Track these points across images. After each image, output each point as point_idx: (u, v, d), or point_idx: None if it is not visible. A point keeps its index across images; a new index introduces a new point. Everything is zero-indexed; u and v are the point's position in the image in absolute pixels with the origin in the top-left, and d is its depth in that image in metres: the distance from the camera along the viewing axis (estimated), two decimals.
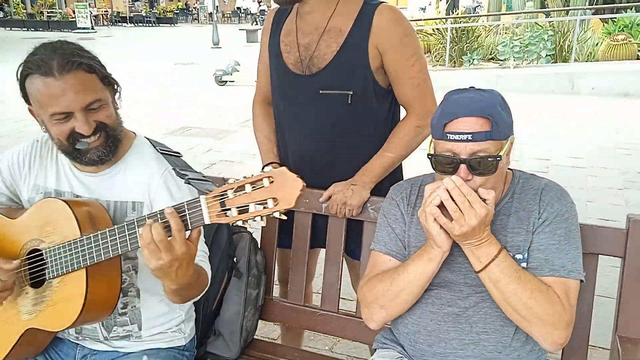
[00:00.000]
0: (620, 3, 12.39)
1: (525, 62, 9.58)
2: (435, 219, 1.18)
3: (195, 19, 38.89)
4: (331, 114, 1.66)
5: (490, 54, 10.52)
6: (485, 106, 1.19)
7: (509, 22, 11.70)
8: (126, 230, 1.19)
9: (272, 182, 1.03)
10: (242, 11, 36.76)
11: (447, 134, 1.19)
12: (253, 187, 1.04)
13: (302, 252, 1.74)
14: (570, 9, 11.56)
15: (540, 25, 10.15)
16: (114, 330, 1.42)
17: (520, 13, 11.76)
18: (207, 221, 1.09)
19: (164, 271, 1.14)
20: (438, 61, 10.54)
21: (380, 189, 1.67)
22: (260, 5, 37.71)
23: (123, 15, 35.38)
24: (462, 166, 1.19)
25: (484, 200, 1.16)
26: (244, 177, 1.06)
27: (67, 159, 1.42)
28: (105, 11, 35.36)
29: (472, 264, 1.22)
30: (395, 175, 1.76)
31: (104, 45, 18.29)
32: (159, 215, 1.14)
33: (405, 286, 1.27)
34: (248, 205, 1.05)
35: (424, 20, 11.79)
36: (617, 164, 5.19)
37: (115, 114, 1.36)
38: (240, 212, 1.05)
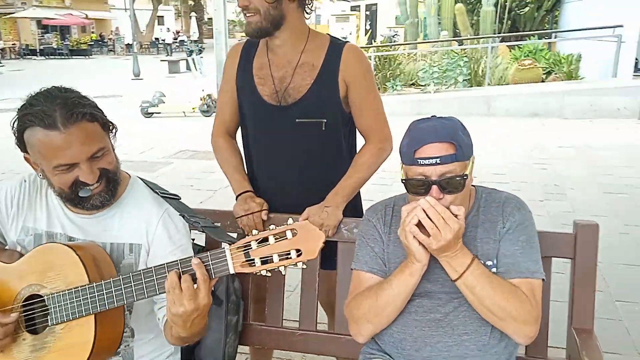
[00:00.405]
0: (524, 31, 13.54)
1: (444, 87, 10.18)
2: (414, 237, 1.30)
3: (111, 50, 37.85)
4: (307, 140, 1.79)
5: (411, 80, 11.08)
6: (449, 132, 1.33)
7: (426, 50, 12.40)
8: (142, 278, 1.21)
9: (295, 234, 1.11)
10: (160, 42, 36.24)
11: (418, 160, 1.33)
12: (276, 239, 1.12)
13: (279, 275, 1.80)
14: (481, 37, 12.47)
15: (455, 52, 10.85)
16: None
17: (436, 42, 12.50)
18: (232, 271, 1.15)
19: (183, 318, 1.17)
20: None
21: (343, 212, 1.79)
22: (177, 36, 37.39)
23: (32, 47, 33.76)
24: (434, 187, 1.32)
25: (456, 216, 1.29)
26: (268, 229, 1.14)
27: (58, 200, 1.41)
28: (12, 44, 33.63)
29: (448, 274, 1.34)
30: (355, 197, 1.88)
31: (13, 80, 17.41)
32: (179, 263, 1.18)
33: (390, 300, 1.37)
34: (272, 256, 1.12)
35: None
36: (535, 178, 5.63)
37: (115, 158, 1.37)
38: (263, 263, 1.13)
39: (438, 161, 1.31)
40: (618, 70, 9.32)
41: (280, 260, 1.13)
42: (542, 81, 10.17)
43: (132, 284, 1.22)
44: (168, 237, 1.43)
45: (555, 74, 10.40)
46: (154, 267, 1.21)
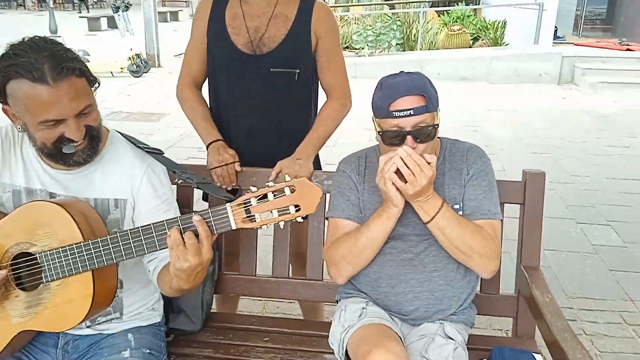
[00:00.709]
0: None
1: (378, 51, 10.34)
2: (392, 183, 1.40)
3: (21, 4, 34.94)
4: (280, 89, 1.85)
5: (345, 43, 11.12)
6: (419, 85, 1.45)
7: (359, 13, 12.45)
8: (142, 234, 1.23)
9: (294, 191, 1.17)
10: None
11: (393, 112, 1.43)
12: (275, 196, 1.17)
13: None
14: (412, 2, 12.66)
15: (389, 16, 10.99)
16: (97, 320, 1.44)
17: (369, 5, 12.58)
18: (233, 227, 1.19)
19: (187, 273, 1.21)
20: None
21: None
22: None
23: None
24: (409, 137, 1.43)
25: (429, 164, 1.40)
26: (267, 186, 1.18)
27: (36, 155, 1.39)
28: None
29: (421, 217, 1.46)
30: None
31: None
32: (179, 220, 1.21)
33: (368, 243, 1.48)
34: (272, 212, 1.18)
35: None
36: (468, 140, 5.94)
37: (98, 114, 1.36)
38: (262, 217, 1.17)
39: (411, 112, 1.42)
40: (539, 38, 9.83)
41: (279, 215, 1.18)
42: (470, 46, 10.57)
43: (131, 240, 1.24)
44: (153, 191, 1.45)
45: (482, 39, 10.82)
46: (152, 224, 1.23)
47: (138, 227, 1.24)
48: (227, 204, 1.20)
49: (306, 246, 1.89)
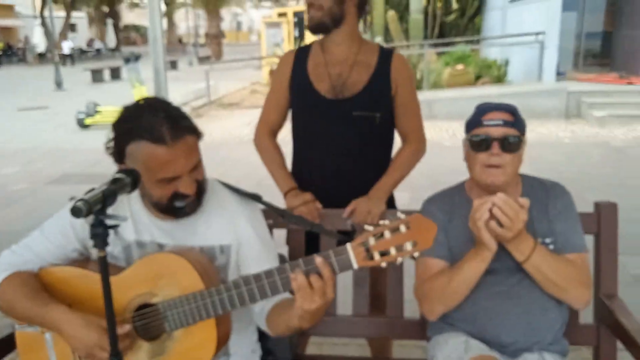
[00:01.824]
0: (449, 37, 14.28)
1: None
2: (487, 228, 1.44)
3: (22, 60, 35.63)
4: (361, 133, 1.93)
5: None
6: (510, 107, 1.58)
7: None
8: (264, 279, 1.26)
9: (409, 228, 1.20)
10: (75, 51, 34.46)
11: (484, 121, 1.54)
12: (392, 233, 1.20)
13: None
14: (411, 44, 13.02)
15: None
16: None
17: None
18: (355, 266, 1.22)
19: (312, 313, 1.23)
20: None
21: None
22: (91, 44, 35.55)
23: None
24: (495, 143, 1.52)
25: (522, 207, 1.44)
26: (383, 224, 1.22)
27: (142, 207, 1.45)
28: None
29: (515, 257, 1.50)
30: None
31: None
32: (302, 262, 1.24)
33: (462, 284, 1.52)
34: (389, 249, 1.20)
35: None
36: None
37: (204, 167, 1.43)
38: (381, 255, 1.21)
39: (500, 123, 1.53)
40: (542, 74, 10.08)
41: (397, 252, 1.21)
42: (473, 85, 10.81)
43: (254, 285, 1.27)
44: (256, 234, 1.50)
45: (484, 78, 11.10)
46: (275, 268, 1.27)
47: (260, 272, 1.27)
48: (348, 244, 1.24)
49: (383, 286, 1.93)
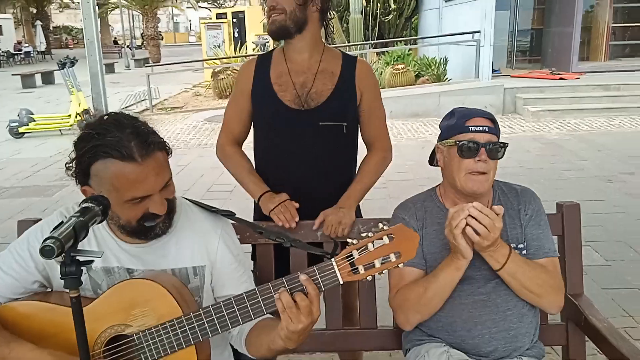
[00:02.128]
0: (388, 37, 14.52)
1: None
2: (463, 236, 1.43)
3: None
4: (328, 142, 1.90)
5: None
6: (487, 113, 1.60)
7: None
8: (247, 301, 1.22)
9: (392, 238, 1.18)
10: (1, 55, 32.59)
11: (469, 127, 1.54)
12: (375, 245, 1.18)
13: None
14: (352, 45, 13.16)
15: None
16: None
17: None
18: (340, 282, 1.19)
19: (299, 334, 1.19)
20: None
21: None
22: (20, 47, 33.70)
23: None
24: (482, 149, 1.53)
25: (497, 215, 1.44)
26: (366, 236, 1.19)
27: (107, 232, 1.36)
28: None
29: (491, 265, 1.51)
30: None
31: None
32: (285, 281, 1.20)
33: (437, 292, 1.52)
34: (374, 262, 1.18)
35: (233, 57, 12.18)
36: (432, 174, 6.13)
37: (174, 185, 1.35)
38: (366, 269, 1.18)
39: (486, 130, 1.54)
40: (479, 72, 10.42)
41: (381, 264, 1.19)
42: (414, 83, 11.03)
43: (236, 308, 1.22)
44: (230, 253, 1.45)
45: (424, 76, 11.34)
46: (257, 288, 1.22)
47: (242, 294, 1.23)
48: (333, 259, 1.20)
49: (353, 297, 1.90)
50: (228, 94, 11.77)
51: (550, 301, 1.55)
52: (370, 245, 1.20)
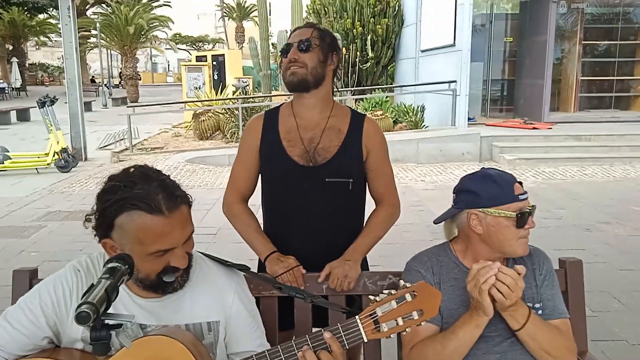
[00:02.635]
0: (366, 84, 14.86)
1: None
2: (487, 293, 1.45)
3: None
4: (336, 199, 1.92)
5: None
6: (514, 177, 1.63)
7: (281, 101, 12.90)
8: (268, 358, 1.22)
9: (415, 296, 1.19)
10: None
11: (518, 196, 1.57)
12: (398, 303, 1.19)
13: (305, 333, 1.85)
14: (340, 90, 13.41)
15: None
16: None
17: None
18: (365, 340, 1.20)
19: None
20: (230, 138, 11.05)
21: None
22: None
23: None
24: (530, 217, 1.57)
25: (519, 274, 1.48)
26: (389, 294, 1.20)
27: (122, 286, 1.33)
28: None
29: (510, 325, 1.53)
30: None
31: None
32: (309, 339, 1.20)
33: (456, 349, 1.52)
34: (397, 320, 1.20)
35: (215, 100, 12.26)
36: (417, 220, 6.22)
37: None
38: (389, 327, 1.20)
39: (527, 196, 1.59)
40: (456, 120, 10.70)
41: (404, 322, 1.20)
42: (392, 129, 11.25)
43: None
44: (245, 308, 1.44)
45: (402, 123, 11.58)
46: (280, 346, 1.22)
47: (264, 352, 1.23)
48: (357, 318, 1.21)
49: (357, 350, 1.89)
50: (209, 135, 11.80)
51: None
52: (393, 303, 1.21)
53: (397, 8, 14.60)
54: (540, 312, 1.61)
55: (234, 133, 10.98)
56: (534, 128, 10.69)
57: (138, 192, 1.20)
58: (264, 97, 12.64)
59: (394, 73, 16.43)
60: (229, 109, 11.32)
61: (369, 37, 14.49)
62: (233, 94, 13.69)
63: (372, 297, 1.24)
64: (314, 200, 1.91)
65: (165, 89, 40.05)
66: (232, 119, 11.08)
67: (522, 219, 1.57)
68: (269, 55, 16.13)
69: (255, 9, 39.20)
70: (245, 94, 13.54)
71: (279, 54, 1.98)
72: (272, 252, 1.88)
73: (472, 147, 9.74)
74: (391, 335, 1.22)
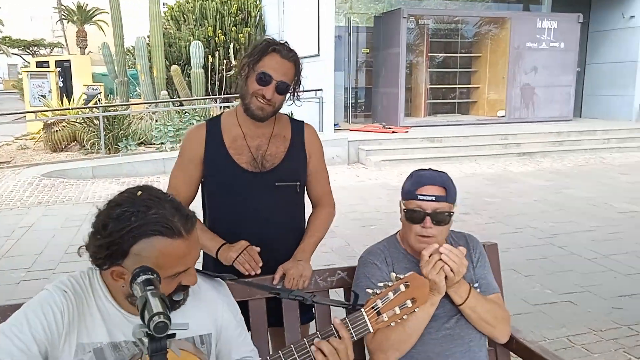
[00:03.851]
0: (230, 92, 14.81)
1: (179, 145, 10.40)
2: (442, 274, 1.61)
3: None
4: (284, 201, 2.01)
5: (139, 139, 10.89)
6: (443, 180, 1.76)
7: (154, 110, 12.34)
8: (295, 352, 1.27)
9: (408, 286, 1.32)
10: None
11: (418, 195, 1.71)
12: (394, 293, 1.31)
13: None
14: (195, 99, 13.15)
15: (188, 112, 11.23)
16: None
17: (168, 101, 12.56)
18: (371, 330, 1.30)
19: None
20: (90, 149, 10.28)
21: None
22: None
23: None
24: (427, 218, 1.71)
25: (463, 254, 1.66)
26: (386, 286, 1.31)
27: (114, 306, 1.27)
28: None
29: (454, 301, 1.70)
30: None
31: None
32: (319, 334, 1.27)
33: (415, 328, 1.67)
34: (394, 309, 1.32)
35: (72, 109, 11.29)
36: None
37: None
38: (389, 316, 1.31)
39: (433, 199, 1.71)
40: (323, 126, 11.14)
41: (400, 310, 1.33)
42: None
43: None
44: (234, 318, 1.46)
45: None
46: (292, 344, 1.27)
47: (279, 353, 1.26)
48: (362, 309, 1.30)
49: None
50: (64, 146, 10.87)
51: (501, 330, 1.78)
52: (390, 294, 1.32)
53: (258, 18, 14.78)
54: (478, 290, 1.81)
55: (94, 143, 10.24)
56: (393, 132, 11.54)
57: (154, 217, 1.16)
58: (126, 105, 12.00)
59: None
60: (87, 118, 10.52)
61: (231, 46, 14.46)
62: (85, 104, 12.79)
63: (370, 291, 1.35)
64: (264, 204, 1.97)
65: None
66: (92, 128, 10.32)
67: (411, 215, 1.73)
68: (124, 61, 15.33)
69: (99, 13, 36.90)
70: (98, 103, 12.73)
71: (242, 73, 1.94)
72: (223, 244, 1.92)
73: (341, 151, 10.23)
74: (393, 324, 1.34)
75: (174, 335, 0.97)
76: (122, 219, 1.16)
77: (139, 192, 1.22)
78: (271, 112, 1.93)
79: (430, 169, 1.83)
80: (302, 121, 2.13)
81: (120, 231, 1.15)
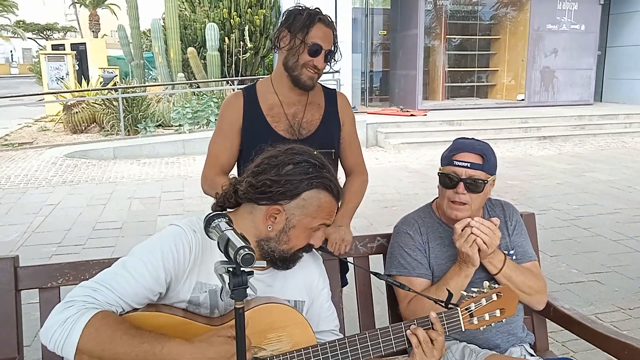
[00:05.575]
0: (245, 74, 14.81)
1: (197, 127, 10.46)
2: (475, 246, 1.62)
3: None
4: None
5: (158, 121, 10.96)
6: (482, 148, 1.75)
7: (171, 92, 12.40)
8: (379, 336, 1.30)
9: (500, 296, 1.38)
10: None
11: (454, 161, 1.71)
12: (487, 301, 1.37)
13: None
14: (211, 81, 13.17)
15: (206, 94, 11.25)
16: None
17: (186, 83, 12.59)
18: (463, 329, 1.37)
19: None
20: (110, 131, 10.37)
21: None
22: None
23: None
24: (461, 183, 1.70)
25: (495, 225, 1.66)
26: (479, 292, 1.38)
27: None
28: None
29: (489, 270, 1.71)
30: None
31: None
32: (416, 321, 1.34)
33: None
34: (485, 315, 1.38)
35: (87, 91, 11.37)
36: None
37: None
38: (479, 320, 1.38)
39: (468, 165, 1.70)
40: None
41: (490, 317, 1.39)
42: None
43: (369, 342, 1.30)
44: (328, 290, 1.52)
45: None
46: (390, 326, 1.32)
47: (376, 330, 1.30)
48: (458, 308, 1.36)
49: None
50: (84, 128, 10.97)
51: (537, 299, 1.78)
52: (483, 301, 1.38)
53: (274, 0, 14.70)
54: (514, 257, 1.81)
55: (114, 125, 10.32)
56: (411, 115, 11.49)
57: (327, 175, 1.33)
58: (144, 87, 12.04)
59: (271, 64, 16.55)
60: (106, 99, 10.59)
61: (246, 28, 14.41)
62: (101, 86, 12.85)
63: (464, 293, 1.43)
64: None
65: (10, 80, 35.86)
66: (111, 110, 10.39)
67: (444, 180, 1.74)
68: (140, 44, 15.35)
69: None
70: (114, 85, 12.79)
71: (297, 44, 1.91)
72: None
73: (360, 134, 10.02)
74: (481, 328, 1.41)
75: (251, 273, 1.01)
76: (303, 166, 1.30)
77: (316, 152, 1.38)
78: (317, 80, 1.97)
79: (473, 138, 1.83)
80: (334, 89, 2.15)
81: (300, 175, 1.29)
